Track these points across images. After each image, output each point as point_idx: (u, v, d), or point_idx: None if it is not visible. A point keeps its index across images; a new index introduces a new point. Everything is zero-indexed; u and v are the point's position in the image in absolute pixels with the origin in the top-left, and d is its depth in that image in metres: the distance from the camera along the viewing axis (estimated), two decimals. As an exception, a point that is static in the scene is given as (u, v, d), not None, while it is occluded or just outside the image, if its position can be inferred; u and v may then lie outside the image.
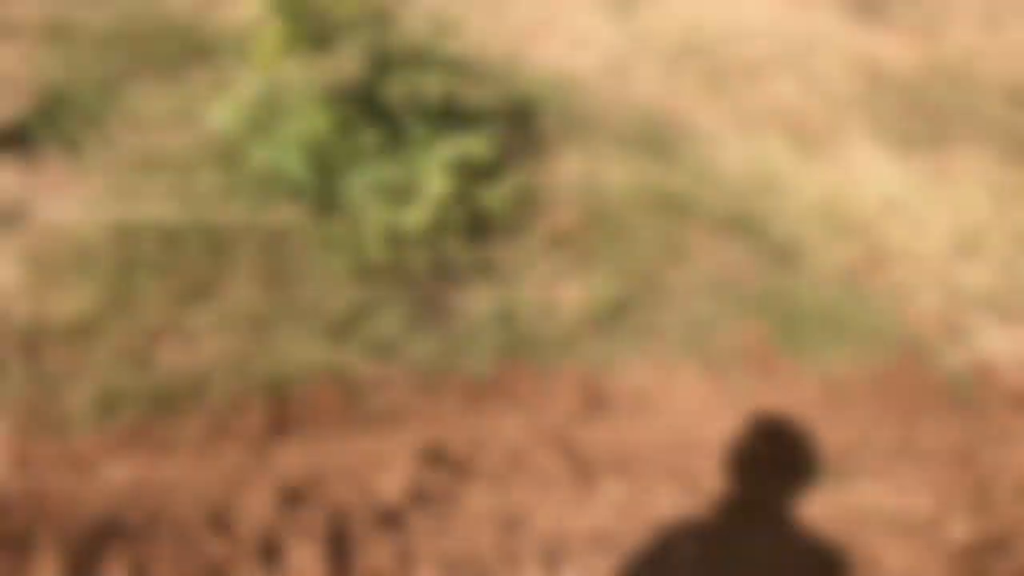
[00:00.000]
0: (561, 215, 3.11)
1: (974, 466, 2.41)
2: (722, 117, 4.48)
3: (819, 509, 2.16)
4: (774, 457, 2.36)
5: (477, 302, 2.60)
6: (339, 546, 1.83)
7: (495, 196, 2.79)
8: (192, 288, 2.41)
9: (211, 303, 2.37)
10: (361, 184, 2.52)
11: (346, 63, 2.65)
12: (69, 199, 2.75)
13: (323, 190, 2.68)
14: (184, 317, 2.33)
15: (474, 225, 2.84)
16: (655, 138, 3.96)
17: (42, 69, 3.61)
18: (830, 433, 2.48)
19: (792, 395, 2.58)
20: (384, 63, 2.73)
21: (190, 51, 4.08)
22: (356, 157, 2.76)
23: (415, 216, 2.45)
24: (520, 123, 3.82)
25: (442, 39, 2.64)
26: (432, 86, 2.58)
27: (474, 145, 2.76)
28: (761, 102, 4.79)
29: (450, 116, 3.37)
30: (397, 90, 2.58)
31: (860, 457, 2.42)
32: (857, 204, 3.52)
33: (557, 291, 2.77)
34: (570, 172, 3.47)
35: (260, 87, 2.76)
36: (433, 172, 2.52)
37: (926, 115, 4.93)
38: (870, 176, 3.85)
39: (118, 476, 1.97)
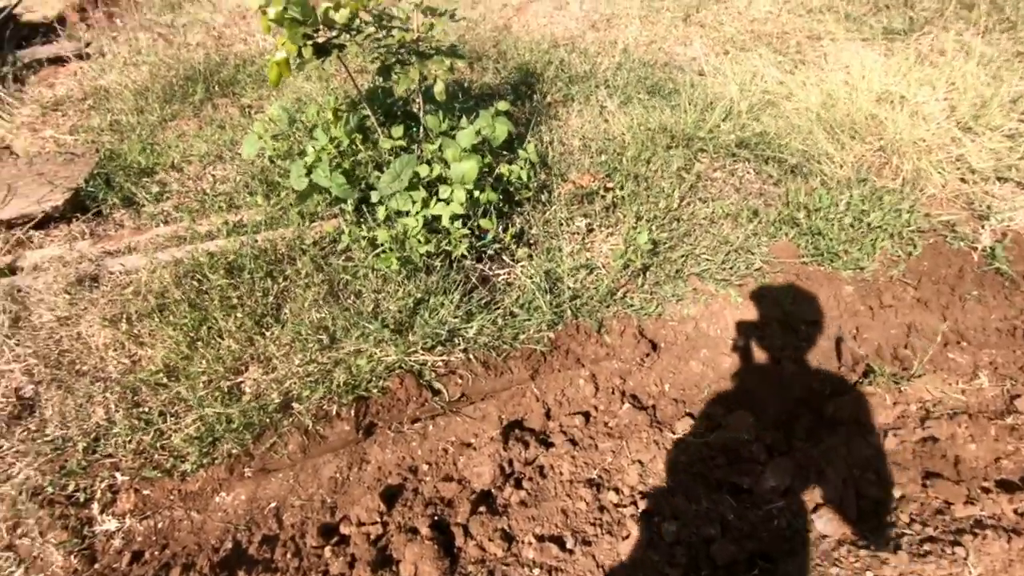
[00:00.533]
0: (579, 173, 2.73)
1: (1028, 340, 2.06)
2: (707, 46, 3.96)
3: (885, 413, 1.86)
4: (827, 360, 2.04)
5: (521, 275, 2.29)
6: (444, 538, 1.61)
7: (518, 170, 2.44)
8: (261, 314, 2.15)
9: (280, 325, 2.12)
10: (393, 185, 2.19)
11: (353, 68, 2.28)
12: (136, 252, 2.50)
13: (359, 197, 2.36)
14: (260, 342, 2.08)
15: (504, 200, 2.50)
16: (651, 80, 3.50)
17: (92, 134, 3.32)
18: (874, 332, 2.15)
19: (830, 301, 2.24)
20: (389, 62, 2.36)
21: (217, 91, 3.73)
22: (381, 160, 2.42)
23: (449, 207, 2.13)
24: (525, 92, 3.40)
25: (438, 29, 2.24)
26: (438, 75, 2.20)
27: (490, 126, 2.39)
28: (740, 25, 4.23)
29: (462, 99, 2.99)
30: (406, 86, 2.21)
31: (911, 351, 2.09)
32: (855, 104, 3.04)
33: (592, 250, 2.43)
34: (580, 130, 3.07)
35: (278, 114, 2.41)
36: (457, 161, 2.17)
37: (896, 3, 4.30)
38: (860, 73, 3.34)
39: (231, 503, 1.77)
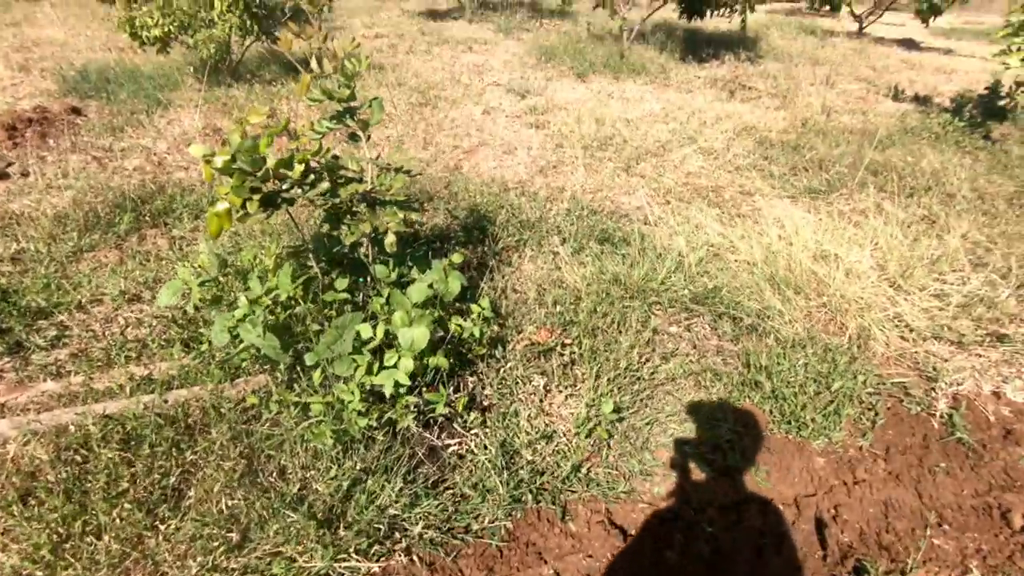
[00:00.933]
0: (535, 327, 2.59)
1: (1008, 522, 1.94)
2: (650, 196, 4.12)
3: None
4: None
5: (473, 447, 2.03)
6: None
7: (471, 327, 2.26)
8: (156, 501, 1.75)
9: (180, 515, 1.72)
10: (333, 347, 1.95)
11: (301, 217, 2.11)
12: (10, 413, 2.07)
13: (293, 356, 2.09)
14: (150, 542, 1.67)
15: (455, 360, 2.29)
16: (599, 227, 3.53)
17: (-10, 264, 2.93)
18: (853, 512, 1.98)
19: (803, 475, 2.08)
20: (339, 211, 2.22)
21: (147, 221, 3.46)
22: (324, 317, 2.19)
23: (395, 374, 1.89)
24: (477, 236, 3.34)
25: (390, 179, 2.14)
26: (388, 224, 2.06)
27: (443, 280, 2.24)
28: (677, 177, 4.48)
29: (413, 245, 2.86)
30: (356, 237, 2.05)
31: (894, 536, 1.92)
32: (795, 260, 3.14)
33: (551, 414, 2.22)
34: (533, 279, 2.98)
35: (208, 261, 2.18)
36: (407, 321, 1.97)
37: (812, 166, 4.72)
38: (793, 230, 3.51)
39: None
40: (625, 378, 2.35)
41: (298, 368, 2.12)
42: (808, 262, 3.14)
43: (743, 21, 8.57)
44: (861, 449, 2.16)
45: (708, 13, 8.90)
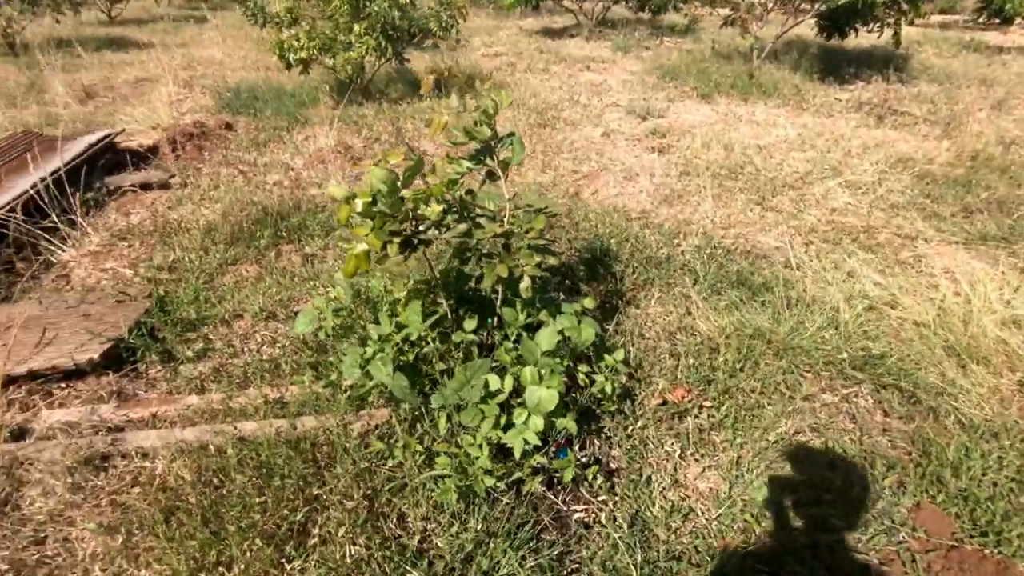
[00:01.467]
0: (669, 383, 2.37)
1: None
2: (789, 235, 3.75)
3: None
4: None
5: (602, 519, 1.85)
6: None
7: (602, 382, 2.10)
8: (285, 532, 1.75)
9: (303, 556, 1.70)
10: (460, 393, 1.87)
11: (435, 257, 2.07)
12: (162, 423, 2.19)
13: (420, 396, 2.04)
14: (278, 572, 1.66)
15: (584, 416, 2.14)
16: (730, 269, 3.24)
17: (151, 271, 3.19)
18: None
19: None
20: (472, 249, 2.15)
21: (284, 237, 3.64)
22: (449, 354, 2.12)
23: (525, 434, 1.77)
24: (601, 272, 3.17)
25: (530, 220, 2.04)
26: (525, 268, 1.95)
27: (575, 328, 2.10)
28: (820, 214, 4.05)
29: (541, 288, 2.75)
30: (492, 281, 1.96)
31: None
32: (977, 324, 2.67)
33: (686, 486, 1.99)
34: (663, 325, 2.76)
35: (342, 291, 2.19)
36: (536, 378, 1.85)
37: (989, 207, 4.08)
38: (970, 284, 3.01)
39: None
40: (773, 452, 2.07)
41: (423, 408, 2.06)
42: (994, 327, 2.66)
43: (896, 35, 7.75)
44: (1084, 581, 1.73)
45: (853, 30, 8.16)
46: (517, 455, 1.77)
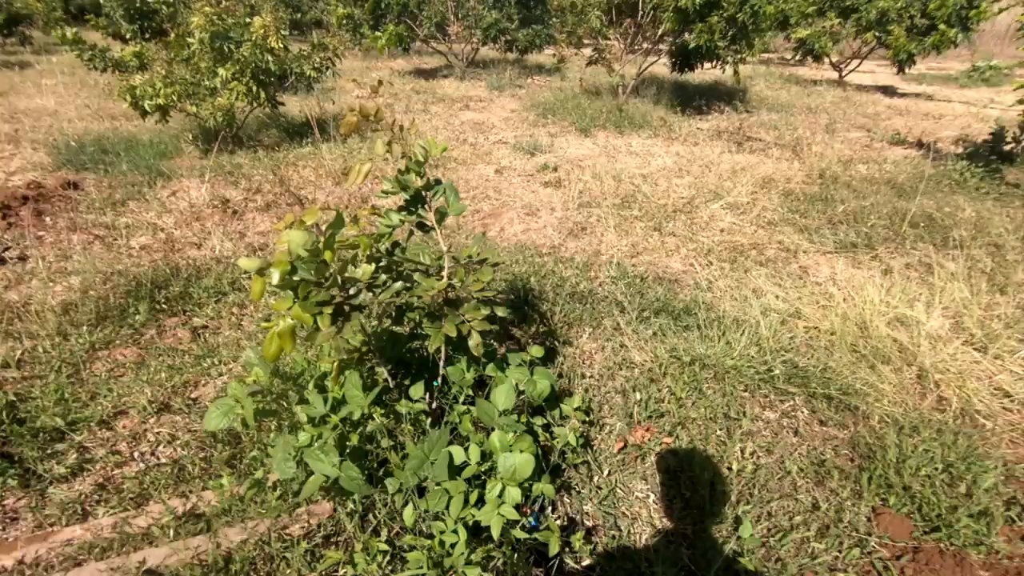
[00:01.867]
0: (624, 424, 2.31)
1: None
2: (691, 258, 3.94)
3: None
4: None
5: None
6: None
7: (566, 434, 1.98)
8: None
9: None
10: (420, 473, 1.65)
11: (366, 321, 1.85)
12: (35, 570, 1.71)
13: (368, 481, 1.78)
14: None
15: (550, 473, 2.00)
16: (649, 296, 3.31)
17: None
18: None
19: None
20: (408, 309, 1.95)
21: (164, 309, 3.15)
22: (400, 434, 1.88)
23: (504, 510, 1.59)
24: (529, 313, 3.08)
25: (476, 273, 1.89)
26: (472, 323, 1.79)
27: (528, 380, 1.97)
28: (711, 236, 4.32)
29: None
30: (439, 343, 1.77)
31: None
32: (868, 324, 2.94)
33: (668, 529, 1.92)
34: (601, 361, 2.72)
35: (264, 375, 1.88)
36: (507, 444, 1.69)
37: (847, 219, 4.61)
38: (852, 291, 3.33)
39: None
40: (733, 480, 2.07)
41: (375, 498, 1.80)
42: (885, 327, 2.94)
43: (736, 73, 8.72)
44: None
45: (699, 65, 9.07)
46: (496, 535, 1.59)
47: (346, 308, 1.74)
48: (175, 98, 5.58)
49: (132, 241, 4.09)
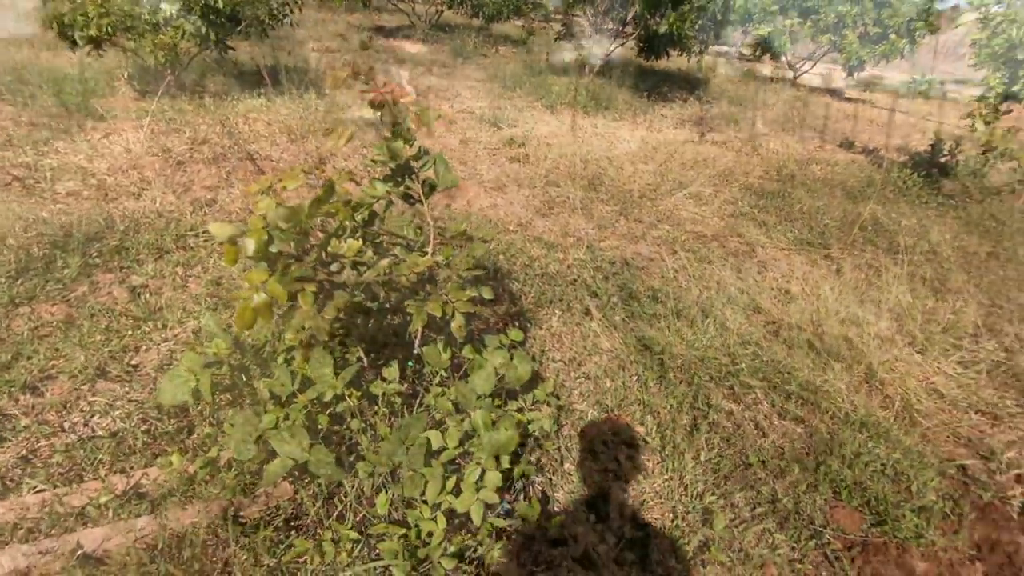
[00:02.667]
0: (595, 412, 2.30)
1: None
2: (656, 245, 3.97)
3: None
4: None
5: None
6: None
7: (541, 419, 1.94)
8: None
9: None
10: (395, 458, 1.57)
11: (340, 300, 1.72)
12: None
13: (338, 463, 1.67)
14: None
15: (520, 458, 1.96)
16: (616, 281, 3.31)
17: None
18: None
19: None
20: (388, 287, 1.84)
21: (98, 264, 2.86)
22: (375, 414, 1.78)
23: (484, 495, 1.53)
24: (500, 291, 3.01)
25: (467, 250, 1.80)
26: (456, 304, 1.71)
27: (508, 365, 1.91)
28: (676, 224, 4.37)
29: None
30: (422, 323, 1.67)
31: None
32: (823, 322, 3.06)
33: (641, 519, 1.93)
34: (570, 345, 2.70)
35: (210, 326, 1.72)
36: (489, 423, 1.62)
37: (802, 217, 4.77)
38: (806, 287, 3.46)
39: None
40: (701, 472, 2.11)
41: (343, 483, 1.71)
42: (838, 325, 3.06)
43: (700, 63, 8.82)
44: (960, 553, 2.02)
45: (666, 53, 9.11)
46: (477, 521, 1.53)
47: (326, 285, 1.61)
48: (110, 30, 5.03)
49: (58, 186, 3.69)
